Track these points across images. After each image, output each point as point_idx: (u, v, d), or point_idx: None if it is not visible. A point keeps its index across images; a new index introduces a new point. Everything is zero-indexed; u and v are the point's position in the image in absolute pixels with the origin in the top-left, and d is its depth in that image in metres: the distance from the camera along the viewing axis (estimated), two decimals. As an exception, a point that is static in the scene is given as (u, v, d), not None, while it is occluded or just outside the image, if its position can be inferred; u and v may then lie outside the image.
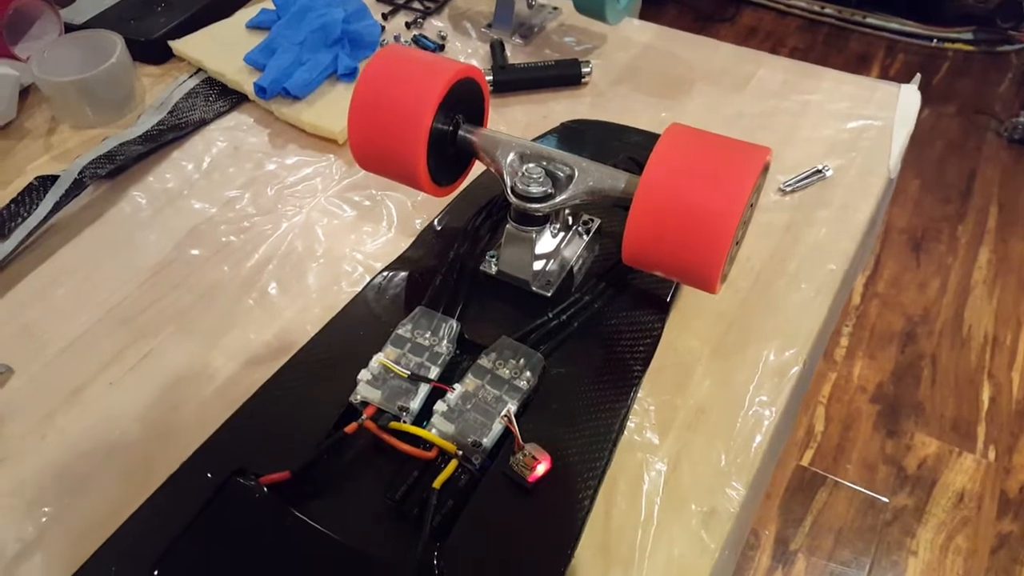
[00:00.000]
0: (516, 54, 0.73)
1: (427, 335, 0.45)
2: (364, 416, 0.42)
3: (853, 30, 2.16)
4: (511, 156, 0.44)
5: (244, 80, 0.66)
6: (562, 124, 0.63)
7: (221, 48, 0.69)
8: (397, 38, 0.73)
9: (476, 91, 0.47)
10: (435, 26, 0.76)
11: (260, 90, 0.64)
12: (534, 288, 0.47)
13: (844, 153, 0.61)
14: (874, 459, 1.31)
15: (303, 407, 0.44)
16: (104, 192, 0.61)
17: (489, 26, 0.75)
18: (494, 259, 0.48)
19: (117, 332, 0.51)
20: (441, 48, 0.73)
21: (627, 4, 0.71)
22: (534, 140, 0.62)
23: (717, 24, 2.19)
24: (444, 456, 0.40)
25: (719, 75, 0.70)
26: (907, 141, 0.63)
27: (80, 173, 0.59)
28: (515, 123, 0.66)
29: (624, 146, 0.60)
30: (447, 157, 0.47)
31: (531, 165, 0.43)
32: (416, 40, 0.73)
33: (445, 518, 0.39)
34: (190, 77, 0.70)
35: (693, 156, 0.39)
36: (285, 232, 0.58)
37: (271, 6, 0.72)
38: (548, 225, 0.47)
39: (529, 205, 0.43)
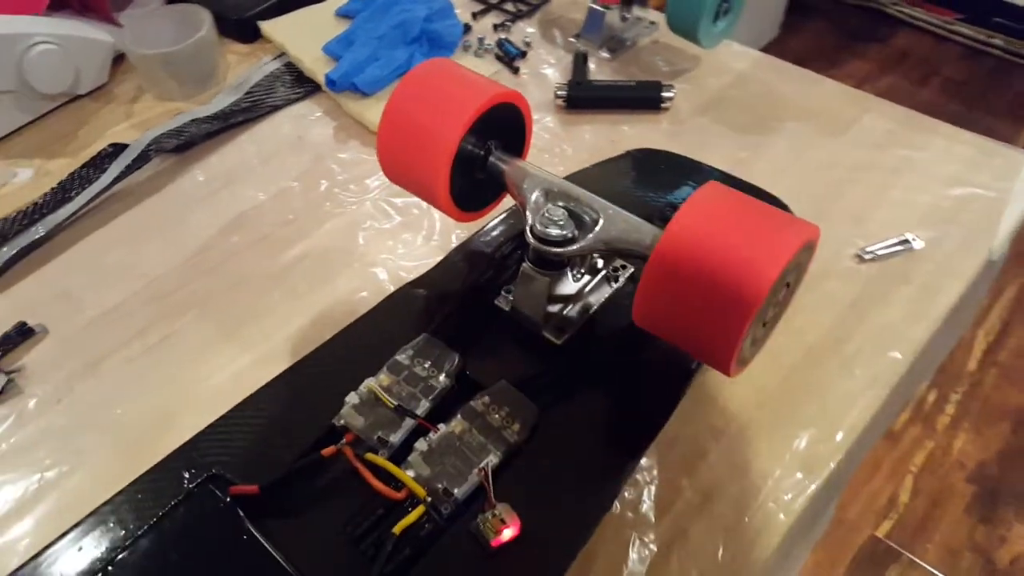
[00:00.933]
0: (601, 68, 0.69)
1: (427, 365, 0.43)
2: (343, 441, 0.41)
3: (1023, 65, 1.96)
4: (536, 193, 0.42)
5: (319, 70, 0.66)
6: (628, 152, 0.60)
7: (306, 34, 0.70)
8: (482, 40, 0.72)
9: (517, 118, 0.45)
10: (524, 31, 0.74)
11: (330, 82, 0.64)
12: (545, 333, 0.45)
13: (941, 224, 0.54)
14: (960, 544, 1.20)
15: (292, 419, 0.43)
16: (169, 166, 0.63)
17: (578, 36, 0.72)
18: (510, 295, 0.46)
19: (147, 308, 0.53)
20: (523, 55, 0.70)
21: (726, 27, 0.66)
22: (595, 165, 0.59)
23: (865, 44, 2.04)
24: (413, 499, 0.39)
25: (817, 116, 0.64)
26: (1022, 220, 0.55)
27: (148, 145, 0.61)
28: (581, 144, 0.62)
29: (690, 184, 0.56)
30: (476, 183, 0.44)
31: (554, 205, 0.41)
32: (500, 44, 0.71)
33: (400, 566, 0.37)
34: (273, 59, 0.71)
35: (724, 224, 0.35)
36: (327, 230, 0.57)
37: (361, -5, 0.72)
38: (569, 269, 0.44)
39: (546, 248, 0.40)
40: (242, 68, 0.71)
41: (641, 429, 0.43)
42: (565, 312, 0.45)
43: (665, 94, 0.64)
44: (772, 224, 0.36)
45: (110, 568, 0.37)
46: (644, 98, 0.64)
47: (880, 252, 0.52)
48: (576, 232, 0.41)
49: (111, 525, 0.39)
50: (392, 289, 0.51)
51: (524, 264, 0.43)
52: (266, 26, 0.71)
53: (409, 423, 0.41)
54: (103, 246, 0.57)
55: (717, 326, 0.35)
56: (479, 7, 0.76)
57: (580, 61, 0.68)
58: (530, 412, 0.41)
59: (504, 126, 0.45)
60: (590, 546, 0.39)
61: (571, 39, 0.72)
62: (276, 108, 0.67)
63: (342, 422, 0.41)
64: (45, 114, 0.66)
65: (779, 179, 0.57)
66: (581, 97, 0.64)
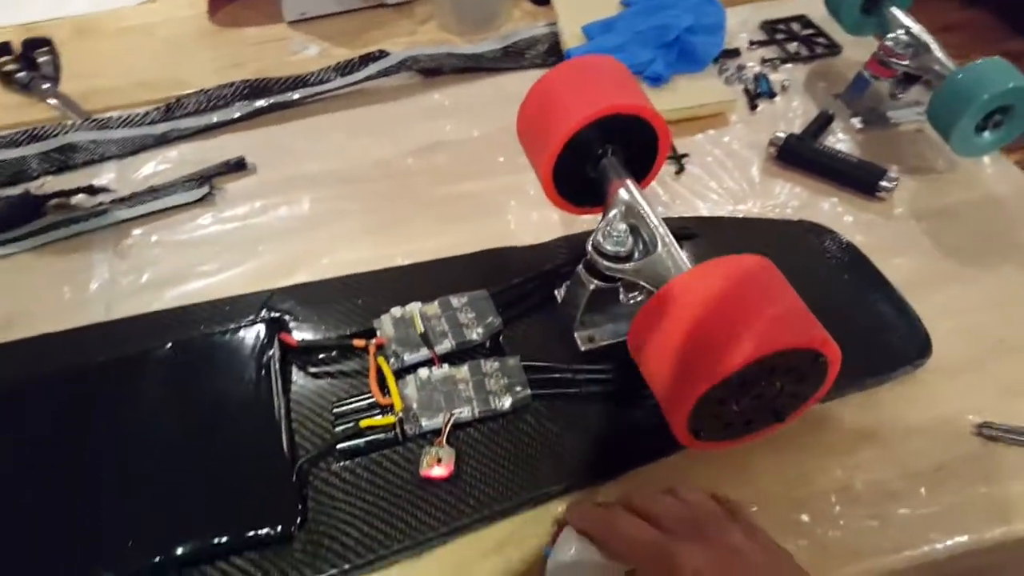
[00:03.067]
0: (848, 136, 0.67)
1: (471, 315, 0.50)
2: (373, 341, 0.49)
3: None
4: (617, 209, 0.45)
5: (571, 45, 0.73)
6: (799, 220, 0.59)
7: (584, 10, 0.77)
8: (741, 68, 0.73)
9: (649, 137, 0.48)
10: (790, 74, 0.73)
11: (568, 58, 0.71)
12: (575, 334, 0.48)
13: (1110, 443, 0.46)
14: None
15: (354, 308, 0.53)
16: (414, 83, 0.75)
17: (837, 95, 0.70)
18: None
19: (332, 185, 0.65)
20: (772, 96, 0.71)
21: (995, 141, 0.60)
22: (752, 218, 0.59)
23: None
24: (391, 409, 0.46)
25: (1053, 271, 0.56)
26: None
27: (404, 60, 0.74)
28: (767, 197, 0.62)
29: (840, 275, 0.54)
30: (586, 180, 0.49)
31: (622, 223, 0.44)
32: (756, 78, 0.72)
33: (349, 450, 0.45)
34: (547, 24, 0.80)
35: (731, 295, 0.36)
36: (491, 182, 0.65)
37: (650, -12, 0.77)
38: (623, 288, 0.47)
39: (597, 257, 0.44)
40: (520, 24, 0.81)
41: (617, 457, 0.45)
42: (600, 323, 0.48)
43: (883, 183, 0.60)
44: (780, 317, 0.36)
45: (172, 347, 0.50)
46: (857, 178, 0.61)
47: (1004, 435, 0.46)
48: (635, 255, 0.44)
49: (199, 318, 0.52)
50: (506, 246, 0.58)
51: (579, 266, 0.46)
52: (555, -7, 0.80)
53: (425, 352, 0.48)
54: (331, 126, 0.71)
55: (677, 385, 0.37)
56: (763, 37, 0.77)
57: (822, 120, 0.67)
58: (521, 395, 0.46)
59: (637, 142, 0.48)
60: (513, 533, 0.43)
61: (832, 95, 0.70)
62: (522, 67, 0.75)
63: (378, 325, 0.50)
64: (352, 10, 0.82)
65: (958, 316, 0.53)
66: (793, 152, 0.64)
